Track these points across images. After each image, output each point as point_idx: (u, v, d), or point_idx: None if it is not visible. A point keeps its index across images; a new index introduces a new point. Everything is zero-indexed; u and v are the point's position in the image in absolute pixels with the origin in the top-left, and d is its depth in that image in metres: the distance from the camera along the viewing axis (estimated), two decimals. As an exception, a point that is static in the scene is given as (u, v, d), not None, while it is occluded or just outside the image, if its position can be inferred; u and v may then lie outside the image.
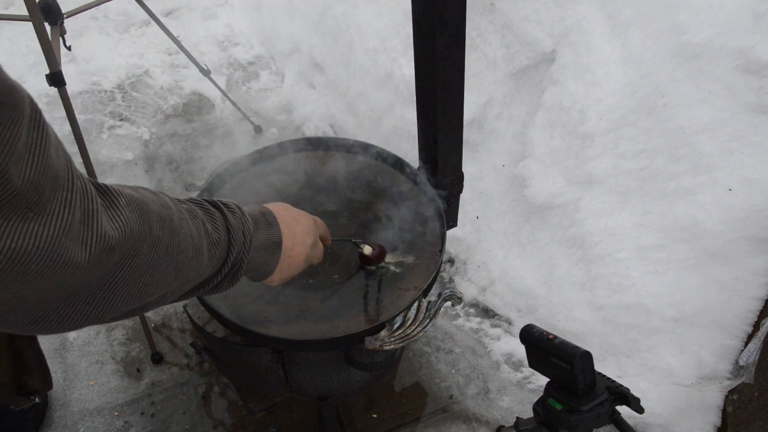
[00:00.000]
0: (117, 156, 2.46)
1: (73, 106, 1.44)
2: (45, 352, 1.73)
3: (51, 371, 1.68)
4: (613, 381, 0.94)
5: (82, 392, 1.65)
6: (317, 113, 2.60)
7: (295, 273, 0.85)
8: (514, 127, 1.83)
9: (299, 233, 0.83)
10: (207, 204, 0.68)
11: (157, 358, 1.71)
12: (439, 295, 1.06)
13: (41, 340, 1.54)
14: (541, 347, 0.92)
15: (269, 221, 0.78)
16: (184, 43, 2.19)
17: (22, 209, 0.36)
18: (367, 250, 1.11)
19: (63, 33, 1.60)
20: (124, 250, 0.47)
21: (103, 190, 0.47)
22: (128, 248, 0.47)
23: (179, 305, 1.87)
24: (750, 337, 1.37)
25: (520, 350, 1.75)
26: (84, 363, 1.72)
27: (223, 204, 0.70)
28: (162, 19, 2.10)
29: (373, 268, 1.15)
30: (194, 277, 0.61)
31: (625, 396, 0.90)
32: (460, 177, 1.31)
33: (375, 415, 1.61)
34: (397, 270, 1.14)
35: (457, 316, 1.90)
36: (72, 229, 0.40)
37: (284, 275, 0.83)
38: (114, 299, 0.48)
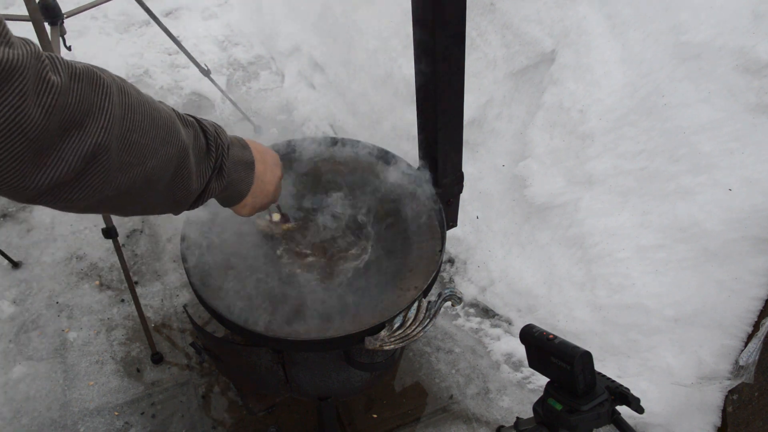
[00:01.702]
0: (117, 156, 2.46)
1: (73, 106, 1.44)
2: (44, 352, 1.74)
3: (51, 371, 1.69)
4: (613, 381, 0.94)
5: (82, 392, 1.65)
6: (317, 113, 2.60)
7: (265, 202, 0.88)
8: (514, 127, 1.83)
9: (270, 163, 0.87)
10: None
11: (157, 358, 1.71)
12: (439, 295, 1.06)
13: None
14: (541, 347, 0.92)
15: (243, 144, 0.82)
16: (184, 43, 2.19)
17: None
18: (276, 217, 1.16)
19: (63, 33, 1.60)
20: (91, 82, 0.52)
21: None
22: (93, 81, 0.52)
23: (179, 305, 1.88)
24: (750, 337, 1.37)
25: (520, 350, 1.75)
26: (84, 363, 1.72)
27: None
28: (162, 19, 2.10)
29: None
30: (177, 149, 0.63)
31: (625, 396, 0.90)
32: (460, 177, 1.31)
33: (375, 415, 1.61)
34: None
35: (457, 316, 1.90)
36: (40, 60, 0.46)
37: (257, 201, 0.86)
38: (102, 140, 0.52)
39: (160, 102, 0.67)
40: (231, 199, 0.83)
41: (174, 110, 0.68)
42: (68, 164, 0.50)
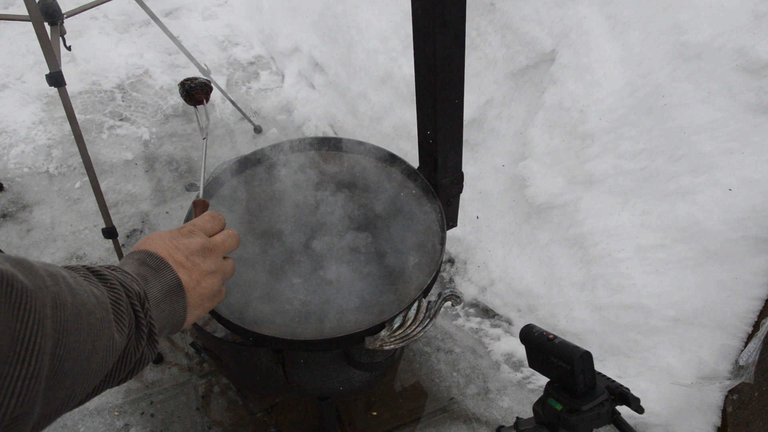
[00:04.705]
0: (117, 156, 2.46)
1: (73, 106, 1.45)
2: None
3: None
4: (613, 381, 0.94)
5: (82, 392, 1.65)
6: (317, 113, 2.60)
7: (213, 303, 0.74)
8: (514, 127, 1.83)
9: (198, 262, 0.70)
10: (83, 270, 0.56)
11: (157, 358, 1.70)
12: (439, 295, 1.06)
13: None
14: (541, 347, 0.93)
15: (155, 266, 0.65)
16: (184, 43, 2.19)
17: None
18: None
19: (63, 33, 1.60)
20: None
21: None
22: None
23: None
24: (750, 337, 1.37)
25: (520, 350, 1.75)
26: (84, 363, 1.72)
27: (98, 270, 0.58)
28: (162, 19, 2.10)
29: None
30: (109, 346, 0.51)
31: (625, 396, 0.90)
32: (460, 177, 1.31)
33: (375, 413, 1.61)
34: None
35: (457, 316, 1.90)
36: None
37: (198, 312, 0.71)
38: (23, 376, 0.40)
39: (81, 273, 0.54)
40: (171, 332, 0.67)
41: (99, 286, 0.53)
42: None
